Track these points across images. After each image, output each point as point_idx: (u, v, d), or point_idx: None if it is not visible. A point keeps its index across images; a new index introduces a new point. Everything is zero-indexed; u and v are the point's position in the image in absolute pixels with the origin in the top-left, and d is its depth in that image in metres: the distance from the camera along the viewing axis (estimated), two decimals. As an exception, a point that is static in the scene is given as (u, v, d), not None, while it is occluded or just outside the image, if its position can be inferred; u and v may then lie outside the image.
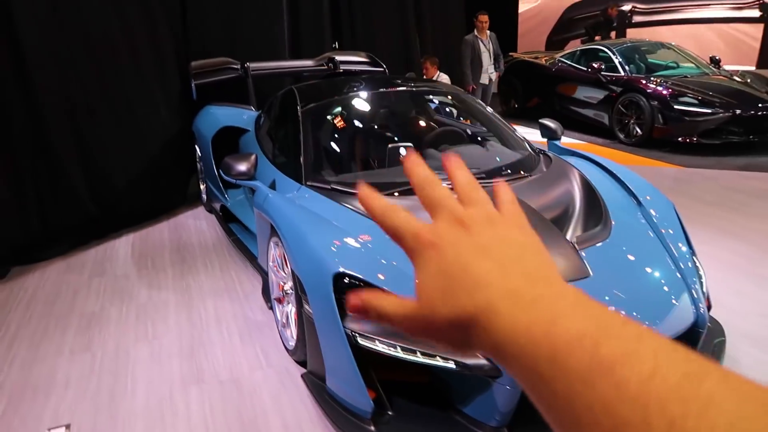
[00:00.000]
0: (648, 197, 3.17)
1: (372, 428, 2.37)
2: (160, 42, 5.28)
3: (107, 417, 2.68)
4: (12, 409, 2.76)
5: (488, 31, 8.02)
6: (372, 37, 8.38)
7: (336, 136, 3.82)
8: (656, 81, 7.62)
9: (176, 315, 3.58)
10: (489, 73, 8.05)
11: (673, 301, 2.57)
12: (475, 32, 7.95)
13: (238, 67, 5.67)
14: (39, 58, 4.31)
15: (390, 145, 3.70)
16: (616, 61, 8.23)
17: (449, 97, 4.38)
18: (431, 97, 4.37)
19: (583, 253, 2.65)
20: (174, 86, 5.51)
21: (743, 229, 4.65)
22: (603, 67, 8.29)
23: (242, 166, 3.30)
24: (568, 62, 9.06)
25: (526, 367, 0.37)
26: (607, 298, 2.44)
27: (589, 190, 3.23)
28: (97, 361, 3.13)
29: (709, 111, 7.06)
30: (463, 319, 0.41)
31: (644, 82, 7.69)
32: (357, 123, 3.97)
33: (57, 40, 4.43)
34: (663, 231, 2.92)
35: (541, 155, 3.74)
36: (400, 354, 2.31)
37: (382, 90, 4.14)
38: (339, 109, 3.94)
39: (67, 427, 2.62)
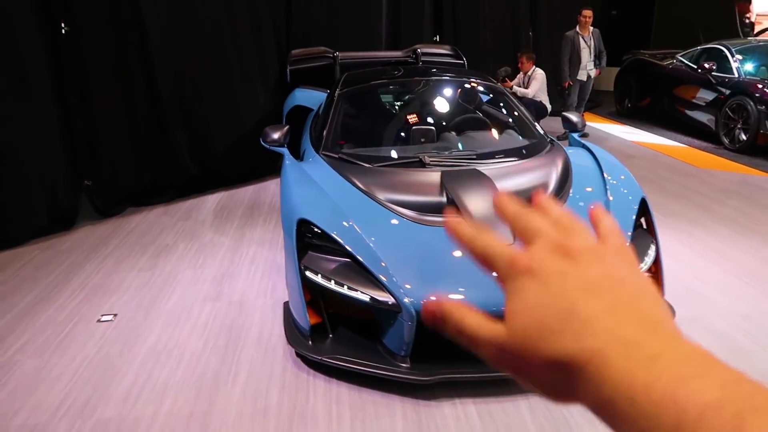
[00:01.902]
0: (615, 182, 3.40)
1: (309, 343, 2.98)
2: (261, 29, 6.23)
3: (144, 314, 3.57)
4: (86, 299, 3.76)
5: (591, 27, 8.02)
6: (476, 31, 8.75)
7: (361, 117, 4.42)
8: (774, 84, 7.14)
9: (224, 254, 4.44)
10: (588, 70, 8.05)
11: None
12: (577, 28, 8.00)
13: (333, 55, 6.43)
14: (158, 39, 5.42)
15: (409, 127, 4.22)
16: (731, 61, 7.80)
17: (479, 87, 4.76)
18: (460, 86, 4.79)
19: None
20: (272, 69, 6.44)
21: (787, 239, 4.48)
22: (715, 67, 7.89)
23: (275, 135, 4.03)
24: (685, 61, 8.69)
25: (640, 430, 0.33)
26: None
27: (566, 174, 3.52)
28: (153, 278, 4.07)
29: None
30: (566, 363, 0.36)
31: (758, 85, 7.23)
32: (382, 106, 4.53)
33: (173, 25, 5.52)
34: (613, 213, 3.15)
35: (551, 144, 4.03)
36: (333, 286, 2.89)
37: (414, 78, 4.65)
38: (370, 93, 4.53)
39: (114, 315, 3.56)
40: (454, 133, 4.24)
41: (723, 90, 7.66)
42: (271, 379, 2.90)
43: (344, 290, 2.86)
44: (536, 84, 7.41)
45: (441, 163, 3.65)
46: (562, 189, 3.41)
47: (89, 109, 5.16)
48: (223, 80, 5.96)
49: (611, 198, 3.28)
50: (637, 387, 0.33)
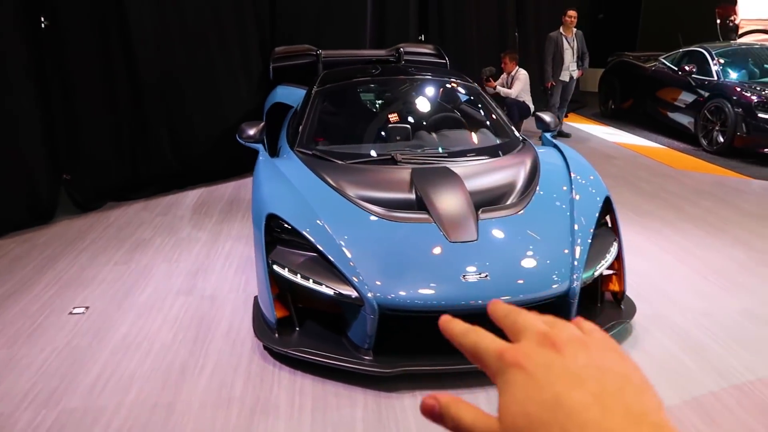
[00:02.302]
0: (582, 181, 3.46)
1: (276, 336, 3.03)
2: (246, 26, 6.27)
3: (116, 306, 3.61)
4: (59, 292, 3.80)
5: (574, 29, 8.10)
6: (462, 31, 8.82)
7: (338, 114, 4.48)
8: (752, 87, 7.24)
9: (200, 249, 4.49)
10: (570, 71, 8.13)
11: (548, 273, 2.92)
12: (561, 29, 8.07)
13: (316, 53, 6.47)
14: (141, 34, 5.45)
15: (384, 125, 4.28)
16: (711, 64, 7.90)
17: (457, 86, 4.82)
18: (438, 85, 4.85)
19: (481, 221, 3.09)
20: (255, 67, 6.48)
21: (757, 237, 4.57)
22: (695, 69, 7.99)
23: (251, 131, 4.08)
24: (667, 63, 8.79)
25: None
26: (479, 261, 2.89)
27: (534, 172, 3.59)
28: (128, 271, 4.10)
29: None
30: None
31: (736, 88, 7.34)
32: (359, 104, 4.59)
33: (156, 19, 5.55)
34: (576, 213, 3.22)
35: (522, 143, 4.09)
36: (299, 280, 2.94)
37: (392, 77, 4.71)
38: (347, 91, 4.58)
39: (87, 308, 3.60)
40: (430, 132, 4.30)
41: (702, 92, 7.76)
42: (237, 371, 2.95)
43: (310, 284, 2.91)
44: (519, 84, 7.47)
45: (412, 161, 3.71)
46: (528, 187, 3.47)
47: (70, 103, 5.18)
48: (207, 76, 6.00)
49: (577, 197, 3.35)
50: None
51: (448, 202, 3.19)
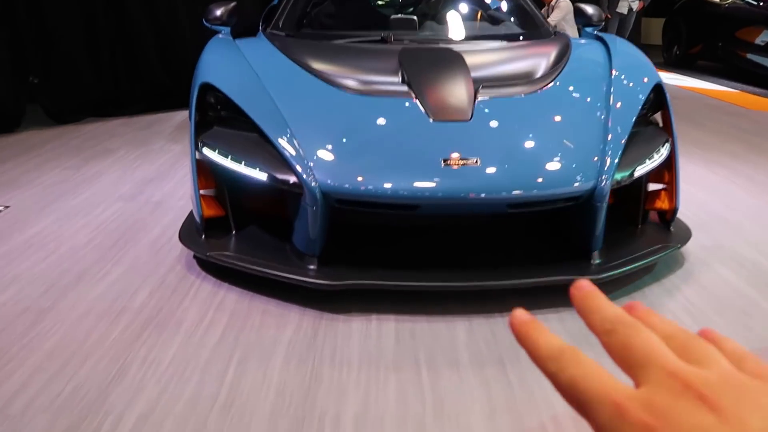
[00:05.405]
0: (622, 77, 2.57)
1: (201, 238, 2.33)
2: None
3: (39, 208, 3.00)
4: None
5: (636, -47, 7.02)
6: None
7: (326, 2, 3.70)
8: None
9: (166, 159, 3.84)
10: (629, 1, 7.08)
11: (567, 165, 2.11)
12: (620, -47, 7.01)
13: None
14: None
15: (385, 16, 3.49)
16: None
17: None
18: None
19: (479, 101, 2.28)
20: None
21: None
22: (781, 2, 6.80)
23: (218, 11, 3.34)
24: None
25: None
26: (469, 145, 2.10)
27: (559, 60, 2.72)
28: (74, 177, 3.49)
29: None
30: None
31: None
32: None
33: None
34: (613, 100, 2.37)
35: (553, 35, 3.24)
36: (229, 163, 2.23)
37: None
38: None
39: (6, 207, 3.00)
40: (440, 24, 3.48)
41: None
42: (147, 281, 2.27)
43: (241, 168, 2.19)
44: (558, 13, 6.46)
45: (407, 43, 2.91)
46: (549, 73, 2.60)
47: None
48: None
49: (614, 89, 2.45)
50: None
51: (439, 78, 2.39)
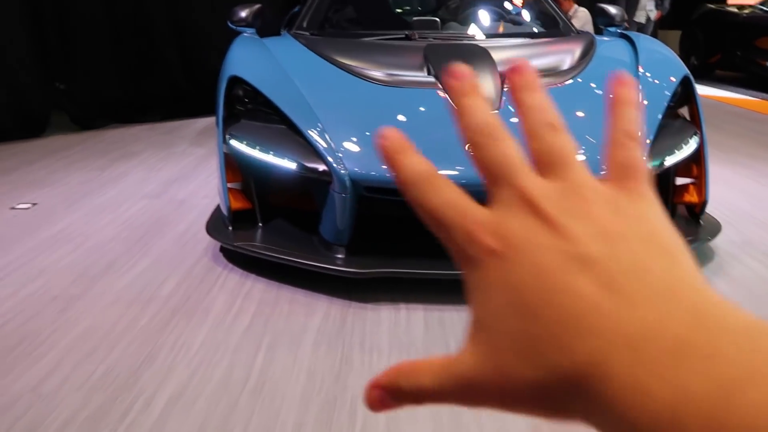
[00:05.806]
0: (648, 69, 2.57)
1: (229, 230, 2.34)
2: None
3: (66, 204, 3.04)
4: (12, 189, 3.25)
5: (653, -37, 7.03)
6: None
7: (350, 4, 3.74)
8: None
9: (190, 161, 3.87)
10: (647, 10, 7.07)
11: (592, 154, 2.09)
12: (638, -39, 7.02)
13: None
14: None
15: (407, 19, 3.52)
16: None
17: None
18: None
19: (507, 90, 2.28)
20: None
21: None
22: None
23: (243, 13, 3.38)
24: (765, 8, 7.54)
25: None
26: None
27: (585, 56, 2.72)
28: (101, 176, 3.53)
29: None
30: (558, 383, 0.23)
31: None
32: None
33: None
34: (638, 97, 2.36)
35: (578, 33, 3.25)
36: (257, 154, 2.25)
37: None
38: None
39: (34, 204, 3.04)
40: (463, 24, 3.50)
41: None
42: (175, 271, 2.28)
43: (270, 158, 2.20)
44: (576, 23, 6.47)
45: (430, 40, 2.93)
46: (571, 71, 2.60)
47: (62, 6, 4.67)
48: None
49: (639, 95, 2.45)
50: (666, 399, 0.20)
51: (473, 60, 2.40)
